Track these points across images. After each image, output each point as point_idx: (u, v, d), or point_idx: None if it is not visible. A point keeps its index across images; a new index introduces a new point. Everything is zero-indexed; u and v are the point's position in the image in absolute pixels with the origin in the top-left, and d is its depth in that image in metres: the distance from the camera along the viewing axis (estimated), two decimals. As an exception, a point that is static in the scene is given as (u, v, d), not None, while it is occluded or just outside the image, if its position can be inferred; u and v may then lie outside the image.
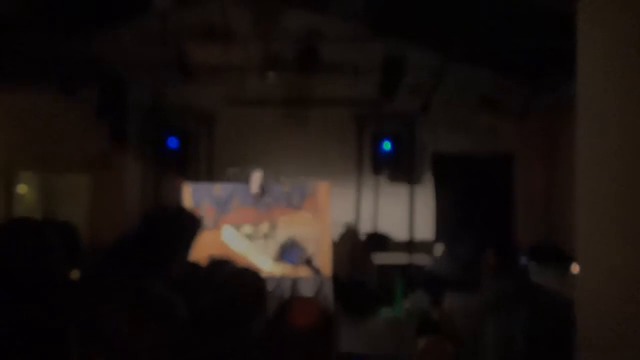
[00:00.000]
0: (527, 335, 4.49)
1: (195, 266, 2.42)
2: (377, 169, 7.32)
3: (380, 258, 6.88)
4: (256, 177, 6.09)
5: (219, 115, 7.41)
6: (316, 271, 5.88)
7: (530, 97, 7.09)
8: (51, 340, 1.29)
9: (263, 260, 5.88)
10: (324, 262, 5.98)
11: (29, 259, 1.49)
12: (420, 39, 6.70)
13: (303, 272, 5.92)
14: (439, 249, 6.98)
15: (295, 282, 5.83)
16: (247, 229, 6.02)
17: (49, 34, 5.88)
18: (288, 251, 5.94)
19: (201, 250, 2.47)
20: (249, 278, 2.14)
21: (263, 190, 6.07)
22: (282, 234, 6.00)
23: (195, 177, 7.16)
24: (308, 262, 5.87)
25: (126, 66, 6.47)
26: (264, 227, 6.02)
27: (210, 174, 7.36)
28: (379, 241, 7.23)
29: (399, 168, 7.31)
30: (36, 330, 1.33)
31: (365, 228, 7.44)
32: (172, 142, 7.24)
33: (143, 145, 7.30)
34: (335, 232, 7.18)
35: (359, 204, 7.50)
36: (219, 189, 6.15)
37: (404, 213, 7.44)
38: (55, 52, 6.01)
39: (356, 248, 7.30)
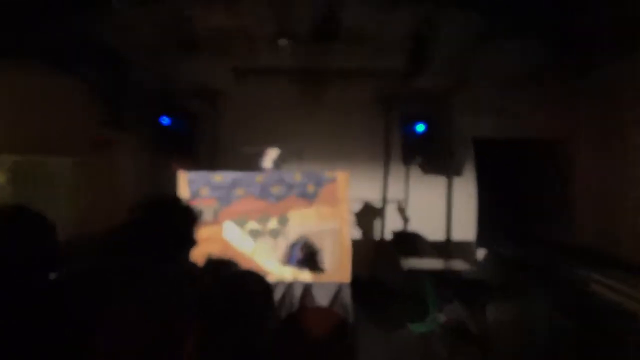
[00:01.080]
0: (581, 351, 4.45)
1: (191, 267, 2.42)
2: (407, 158, 7.26)
3: (411, 262, 6.85)
4: (272, 153, 6.20)
5: (225, 92, 7.43)
6: (318, 269, 5.85)
7: (583, 74, 6.94)
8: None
9: (270, 262, 5.88)
10: (343, 264, 5.96)
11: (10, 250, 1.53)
12: (456, 4, 6.60)
13: (319, 277, 5.91)
14: (480, 253, 6.93)
15: (308, 288, 5.82)
16: (253, 224, 6.02)
17: (44, 9, 5.96)
18: (295, 252, 5.93)
19: (198, 248, 2.46)
20: (252, 283, 2.12)
21: (275, 167, 6.22)
22: (294, 231, 5.99)
23: (197, 161, 7.21)
24: (308, 257, 5.81)
25: (124, 41, 6.52)
26: (273, 222, 6.02)
27: (213, 158, 7.41)
28: (408, 242, 7.21)
29: (433, 156, 7.24)
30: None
31: (392, 226, 7.42)
32: (173, 123, 7.32)
33: (142, 126, 7.39)
34: (355, 228, 7.18)
35: (385, 196, 7.47)
36: (221, 175, 6.17)
37: (439, 209, 7.38)
38: (50, 28, 6.09)
39: (381, 250, 7.29)
